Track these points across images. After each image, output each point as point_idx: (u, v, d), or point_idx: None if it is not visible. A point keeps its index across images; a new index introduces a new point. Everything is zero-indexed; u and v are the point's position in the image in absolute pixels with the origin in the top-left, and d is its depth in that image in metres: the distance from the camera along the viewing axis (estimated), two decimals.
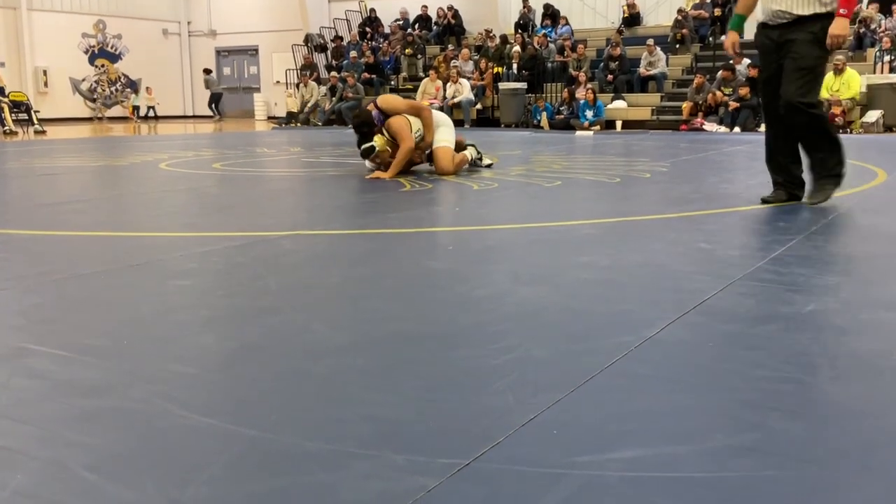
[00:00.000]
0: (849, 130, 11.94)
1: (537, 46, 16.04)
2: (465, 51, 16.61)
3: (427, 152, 6.21)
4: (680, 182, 5.64)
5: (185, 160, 7.87)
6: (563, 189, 5.17)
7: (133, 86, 23.10)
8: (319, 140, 11.50)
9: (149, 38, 23.53)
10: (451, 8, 19.02)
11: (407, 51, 18.02)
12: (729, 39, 4.37)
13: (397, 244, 3.29)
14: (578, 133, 12.99)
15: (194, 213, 4.44)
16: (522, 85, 15.18)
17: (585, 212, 4.23)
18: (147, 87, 22.78)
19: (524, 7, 18.24)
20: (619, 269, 2.74)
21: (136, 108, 22.43)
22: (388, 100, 6.26)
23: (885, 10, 14.02)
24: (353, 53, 18.18)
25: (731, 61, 13.06)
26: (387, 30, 19.83)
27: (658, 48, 14.84)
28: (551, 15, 17.82)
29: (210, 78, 22.47)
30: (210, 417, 1.47)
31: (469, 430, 1.42)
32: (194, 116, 23.85)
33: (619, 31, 16.49)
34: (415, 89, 15.72)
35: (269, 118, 21.63)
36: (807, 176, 4.24)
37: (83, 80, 22.28)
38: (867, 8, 14.35)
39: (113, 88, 22.95)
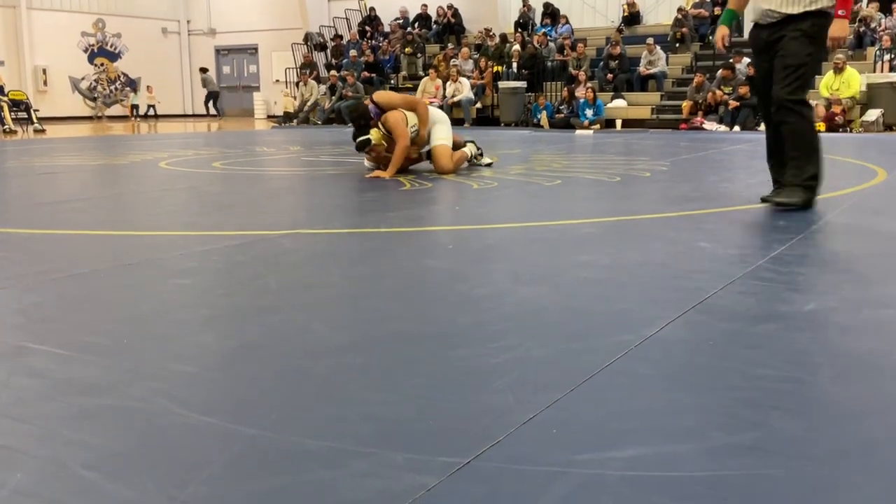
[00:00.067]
0: (849, 129, 11.94)
1: (537, 45, 16.03)
2: (464, 50, 16.60)
3: (426, 150, 6.21)
4: (680, 181, 5.64)
5: (184, 159, 7.87)
6: (563, 188, 5.17)
7: (132, 84, 23.11)
8: (319, 139, 11.50)
9: (148, 37, 23.52)
10: (450, 7, 19.02)
11: (407, 49, 18.01)
12: (719, 33, 4.31)
13: (397, 243, 3.29)
14: (578, 132, 12.99)
15: (194, 211, 4.44)
16: (522, 84, 15.18)
17: (585, 211, 4.23)
18: (148, 86, 22.79)
19: (524, 6, 18.23)
20: (618, 267, 2.74)
21: (135, 107, 22.43)
22: (384, 95, 6.28)
23: (885, 9, 14.01)
24: (352, 52, 18.17)
25: (732, 60, 13.06)
26: (386, 28, 19.83)
27: (658, 47, 14.84)
28: (551, 14, 17.82)
29: (207, 77, 22.47)
30: (210, 416, 1.47)
31: (469, 428, 1.42)
32: (194, 115, 23.84)
33: (619, 30, 16.49)
34: (414, 88, 15.71)
35: (269, 117, 21.64)
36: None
37: (82, 78, 22.28)
38: (867, 7, 14.35)
39: (112, 87, 22.95)
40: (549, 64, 15.77)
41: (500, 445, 1.35)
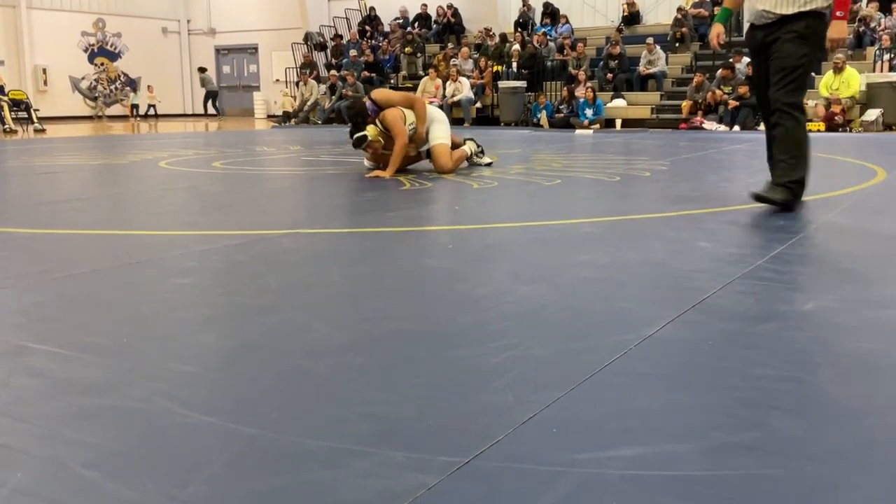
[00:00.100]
0: (848, 129, 11.94)
1: (537, 45, 16.04)
2: (464, 49, 16.61)
3: (425, 149, 6.21)
4: (679, 181, 5.64)
5: (184, 158, 7.87)
6: (563, 187, 5.17)
7: (133, 84, 23.10)
8: (319, 138, 11.50)
9: (148, 37, 23.52)
10: (450, 6, 19.02)
11: (406, 49, 18.01)
12: (714, 31, 4.29)
13: (397, 243, 3.29)
14: (578, 132, 12.99)
15: (194, 211, 4.44)
16: (522, 83, 15.18)
17: (585, 210, 4.23)
18: (149, 86, 22.78)
19: (524, 5, 18.23)
20: (618, 267, 2.74)
21: (134, 107, 22.43)
22: (382, 92, 6.30)
23: (885, 9, 14.02)
24: (352, 52, 18.18)
25: (731, 59, 13.06)
26: (386, 28, 19.83)
27: (658, 47, 14.84)
28: (551, 13, 17.82)
29: (205, 76, 22.47)
30: (210, 416, 1.47)
31: (469, 428, 1.42)
32: (194, 115, 23.85)
33: (619, 30, 16.49)
34: (414, 88, 15.71)
35: (269, 117, 21.64)
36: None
37: (82, 78, 22.28)
38: (867, 6, 14.35)
39: (112, 87, 22.95)
40: (549, 63, 15.77)
41: (500, 444, 1.35)
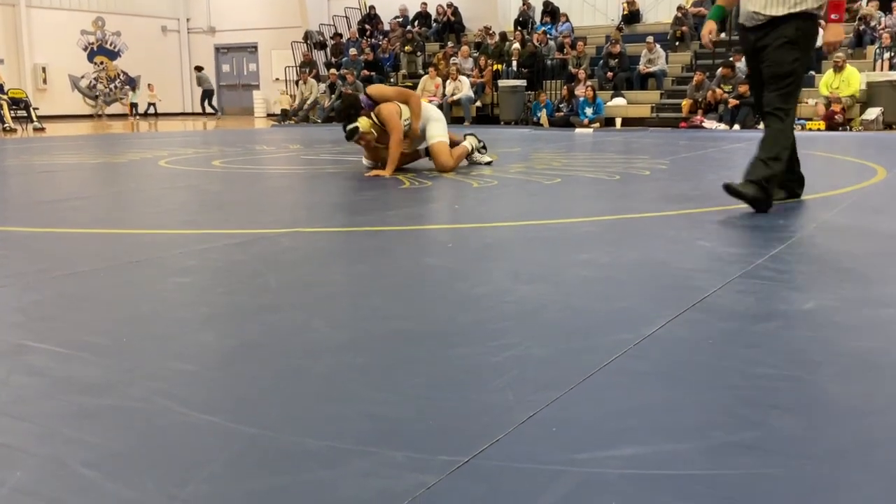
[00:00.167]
0: (848, 128, 11.94)
1: (537, 44, 16.03)
2: (464, 48, 16.61)
3: (423, 148, 6.21)
4: (679, 179, 5.63)
5: (184, 157, 7.87)
6: (563, 186, 5.17)
7: (132, 83, 23.09)
8: (319, 137, 11.50)
9: (148, 36, 23.52)
10: (450, 5, 19.02)
11: (406, 48, 18.01)
12: (706, 28, 4.27)
13: (397, 242, 3.29)
14: (578, 130, 12.99)
15: (194, 210, 4.44)
16: (522, 82, 15.18)
17: (585, 209, 4.23)
18: (149, 84, 22.78)
19: (524, 4, 18.23)
20: (618, 266, 2.74)
21: (133, 106, 22.42)
22: (377, 88, 6.30)
23: (885, 8, 14.01)
24: (352, 51, 18.18)
25: (731, 58, 13.06)
26: (386, 27, 19.83)
27: (658, 45, 14.84)
28: (551, 12, 17.82)
29: (202, 75, 22.48)
30: (210, 415, 1.47)
31: (468, 427, 1.42)
32: (193, 113, 23.84)
33: (619, 29, 16.49)
34: (414, 86, 15.71)
35: (269, 115, 21.64)
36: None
37: (82, 77, 22.27)
38: (867, 5, 14.35)
39: (112, 85, 22.94)
40: (549, 62, 15.77)
41: (500, 444, 1.35)
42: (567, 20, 17.48)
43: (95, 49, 22.57)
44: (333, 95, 16.86)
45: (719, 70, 13.18)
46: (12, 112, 15.01)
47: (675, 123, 13.26)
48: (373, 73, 17.38)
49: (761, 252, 2.95)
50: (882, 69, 12.77)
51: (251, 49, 24.14)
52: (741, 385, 1.62)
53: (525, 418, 1.45)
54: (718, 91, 12.90)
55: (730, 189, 3.89)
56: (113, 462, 1.30)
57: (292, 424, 1.43)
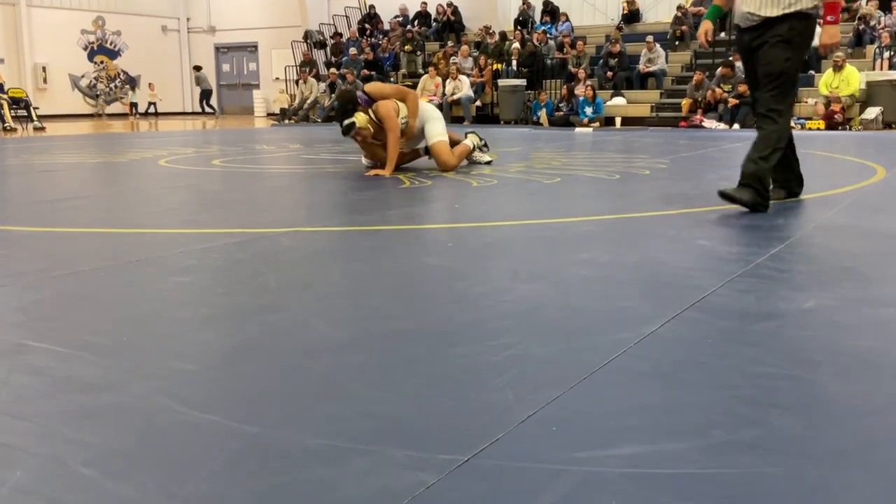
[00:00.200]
0: (848, 127, 11.94)
1: (537, 43, 16.03)
2: (464, 47, 16.60)
3: (423, 146, 6.21)
4: (679, 179, 5.63)
5: (184, 157, 7.87)
6: (563, 186, 5.17)
7: (132, 82, 23.09)
8: (319, 137, 11.49)
9: (148, 35, 23.51)
10: (450, 4, 19.01)
11: (406, 47, 18.01)
12: (702, 28, 4.26)
13: (396, 241, 3.29)
14: (578, 130, 12.99)
15: (194, 209, 4.44)
16: (522, 82, 15.18)
17: (585, 208, 4.23)
18: (150, 83, 22.77)
19: (524, 3, 18.23)
20: (618, 265, 2.74)
21: (133, 105, 22.42)
22: (374, 85, 6.31)
23: (885, 7, 14.01)
24: (352, 50, 18.17)
25: (731, 58, 13.05)
26: (386, 26, 19.83)
27: (657, 45, 14.84)
28: (551, 11, 17.82)
29: (200, 75, 22.48)
30: (210, 414, 1.47)
31: (468, 426, 1.42)
32: (193, 113, 23.84)
33: (619, 28, 16.49)
34: (414, 86, 15.71)
35: (269, 115, 21.63)
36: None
37: (82, 76, 22.27)
38: (867, 5, 14.35)
39: (112, 85, 22.94)
40: (549, 62, 15.76)
41: (500, 443, 1.35)
42: (567, 19, 17.48)
43: (95, 48, 22.57)
44: (333, 95, 16.85)
45: (719, 69, 13.18)
46: (12, 111, 15.01)
47: (674, 123, 13.26)
48: (373, 73, 17.37)
49: (761, 251, 2.95)
50: (881, 69, 12.76)
51: (251, 48, 24.14)
52: (741, 384, 1.62)
53: (525, 417, 1.45)
54: (718, 90, 12.89)
55: (725, 195, 3.88)
56: (113, 461, 1.30)
57: (292, 423, 1.43)
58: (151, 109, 22.40)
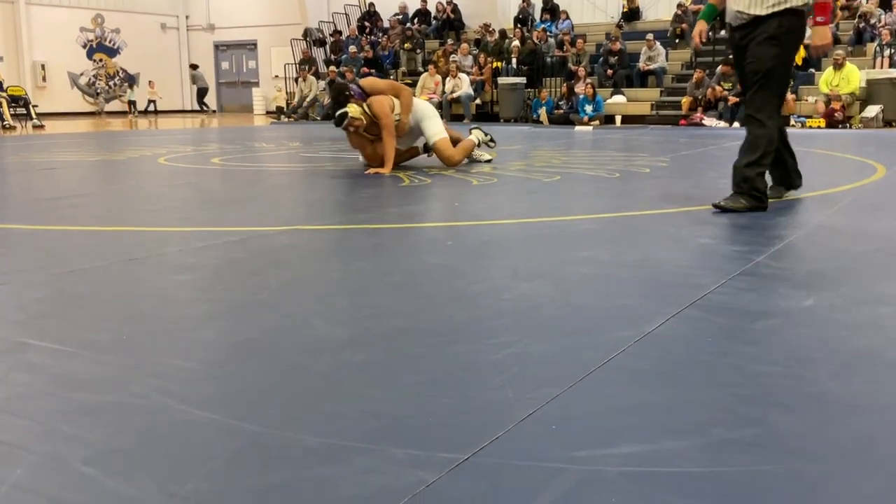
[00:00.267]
0: (848, 125, 11.94)
1: (537, 41, 16.02)
2: (464, 45, 16.59)
3: (421, 144, 6.21)
4: (679, 177, 5.63)
5: (183, 155, 7.87)
6: (563, 184, 5.17)
7: (131, 80, 23.07)
8: (318, 135, 11.49)
9: (147, 33, 23.49)
10: (450, 2, 18.99)
11: (406, 45, 17.99)
12: (697, 28, 4.24)
13: (396, 239, 3.29)
14: (578, 128, 12.98)
15: (193, 207, 4.44)
16: (522, 80, 15.17)
17: (585, 207, 4.23)
18: (150, 81, 22.75)
19: (523, 1, 18.21)
20: (618, 264, 2.74)
21: (132, 103, 22.40)
22: (369, 80, 6.33)
23: (885, 5, 14.00)
24: (351, 48, 18.16)
25: (731, 56, 13.04)
26: (386, 24, 19.81)
27: (657, 43, 14.82)
28: (551, 9, 17.80)
29: (197, 73, 22.46)
30: (210, 413, 1.47)
31: (468, 425, 1.42)
32: (192, 111, 23.83)
33: (619, 26, 16.48)
34: (414, 84, 15.71)
35: (268, 113, 21.63)
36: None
37: (81, 74, 22.25)
38: (867, 3, 14.34)
39: (111, 83, 22.92)
40: (549, 60, 15.75)
41: (500, 441, 1.35)
42: (567, 17, 17.46)
43: (94, 46, 22.54)
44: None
45: (719, 67, 13.17)
46: (11, 109, 15.00)
47: (674, 121, 13.25)
48: (372, 71, 17.35)
49: (761, 249, 2.95)
50: (882, 66, 12.75)
51: (250, 46, 24.12)
52: (741, 382, 1.62)
53: (525, 416, 1.45)
54: (718, 88, 12.89)
55: (720, 208, 3.86)
56: (113, 459, 1.30)
57: (292, 422, 1.43)
58: (151, 107, 22.38)
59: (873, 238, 3.24)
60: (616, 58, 14.92)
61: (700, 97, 13.13)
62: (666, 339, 1.90)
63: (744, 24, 3.88)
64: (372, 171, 5.78)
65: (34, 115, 15.21)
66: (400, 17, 19.68)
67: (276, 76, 21.84)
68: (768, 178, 4.32)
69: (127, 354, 1.81)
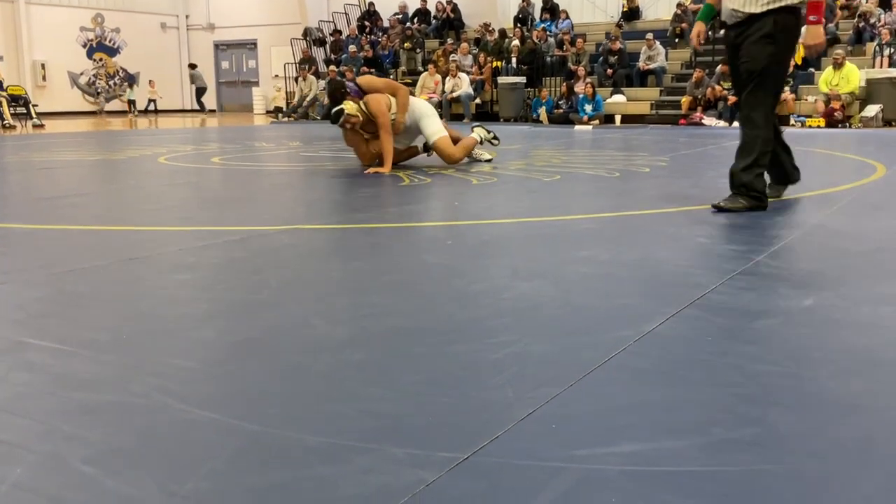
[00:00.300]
0: (848, 125, 11.94)
1: (536, 40, 16.02)
2: (464, 45, 16.59)
3: (421, 144, 6.22)
4: (679, 177, 5.63)
5: (183, 154, 7.87)
6: (562, 183, 5.17)
7: (131, 80, 23.06)
8: (318, 134, 11.49)
9: (147, 32, 23.49)
10: (450, 2, 18.99)
11: (406, 45, 17.99)
12: (695, 29, 4.23)
13: (396, 239, 3.29)
14: (577, 127, 12.98)
15: (193, 207, 4.43)
16: (521, 79, 15.17)
17: (584, 206, 4.23)
18: (150, 80, 22.75)
19: (523, 1, 18.21)
20: (618, 263, 2.74)
21: (132, 103, 22.39)
22: (366, 78, 6.33)
23: (885, 4, 14.00)
24: (351, 47, 18.16)
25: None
26: (386, 24, 19.80)
27: (657, 42, 14.83)
28: (550, 9, 17.80)
29: (195, 73, 22.45)
30: (210, 412, 1.47)
31: (468, 424, 1.42)
32: (192, 110, 23.82)
33: (619, 25, 16.48)
34: (414, 83, 15.71)
35: (268, 112, 21.62)
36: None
37: (81, 73, 22.25)
38: (867, 2, 14.34)
39: (111, 82, 22.92)
40: (549, 59, 15.75)
41: (500, 440, 1.35)
42: (567, 17, 17.47)
43: (95, 46, 22.54)
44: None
45: (719, 67, 13.18)
46: (11, 109, 15.00)
47: (674, 120, 13.25)
48: (372, 70, 17.35)
49: (761, 249, 2.95)
50: (881, 66, 12.76)
51: (250, 46, 24.11)
52: (741, 382, 1.62)
53: (525, 415, 1.45)
54: (718, 88, 12.89)
55: (719, 209, 3.86)
56: (113, 459, 1.30)
57: (292, 421, 1.43)
58: (151, 107, 22.38)
59: (873, 238, 3.24)
60: (616, 57, 14.92)
61: (700, 97, 13.13)
62: (666, 339, 1.90)
63: (739, 22, 3.87)
64: (372, 170, 5.78)
65: (34, 115, 15.21)
66: (400, 16, 19.68)
67: (276, 76, 21.83)
68: (767, 177, 4.33)
69: (127, 354, 1.81)
